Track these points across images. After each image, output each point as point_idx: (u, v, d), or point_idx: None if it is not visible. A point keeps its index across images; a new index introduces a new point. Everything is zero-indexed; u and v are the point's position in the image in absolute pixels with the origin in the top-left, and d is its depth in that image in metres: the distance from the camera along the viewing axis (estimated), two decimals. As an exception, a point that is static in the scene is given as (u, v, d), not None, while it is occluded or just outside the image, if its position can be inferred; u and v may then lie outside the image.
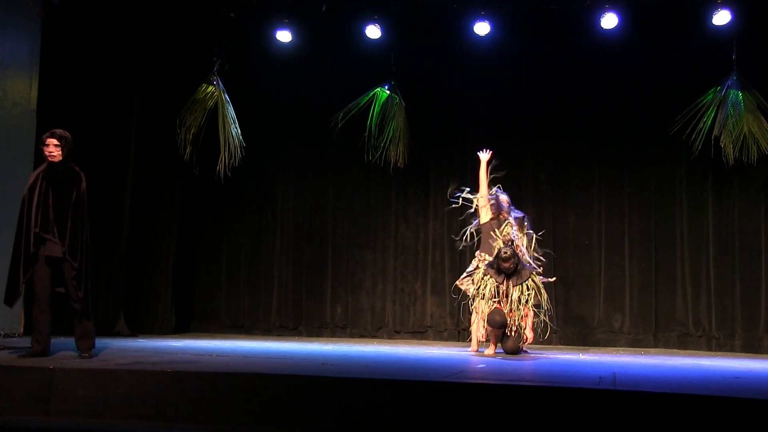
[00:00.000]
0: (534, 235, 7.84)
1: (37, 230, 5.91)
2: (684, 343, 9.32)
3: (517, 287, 7.29)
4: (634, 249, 9.63)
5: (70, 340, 6.55)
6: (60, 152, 6.09)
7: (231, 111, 9.60)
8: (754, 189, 9.31)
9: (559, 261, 9.74)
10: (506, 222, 7.71)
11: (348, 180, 10.45)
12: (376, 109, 9.51)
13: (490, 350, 7.49)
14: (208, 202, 10.66)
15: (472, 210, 8.10)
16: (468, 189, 7.98)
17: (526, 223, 7.77)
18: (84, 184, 6.16)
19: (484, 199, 7.86)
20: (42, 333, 5.96)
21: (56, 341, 6.26)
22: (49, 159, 6.08)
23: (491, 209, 7.88)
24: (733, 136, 8.59)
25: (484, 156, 7.99)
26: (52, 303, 6.06)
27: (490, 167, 8.03)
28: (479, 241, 8.01)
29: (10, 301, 6.00)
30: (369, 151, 9.53)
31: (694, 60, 9.36)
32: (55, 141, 6.10)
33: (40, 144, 6.13)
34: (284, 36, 9.66)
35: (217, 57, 9.71)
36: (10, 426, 4.56)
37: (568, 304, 9.70)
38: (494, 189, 7.94)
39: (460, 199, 8.04)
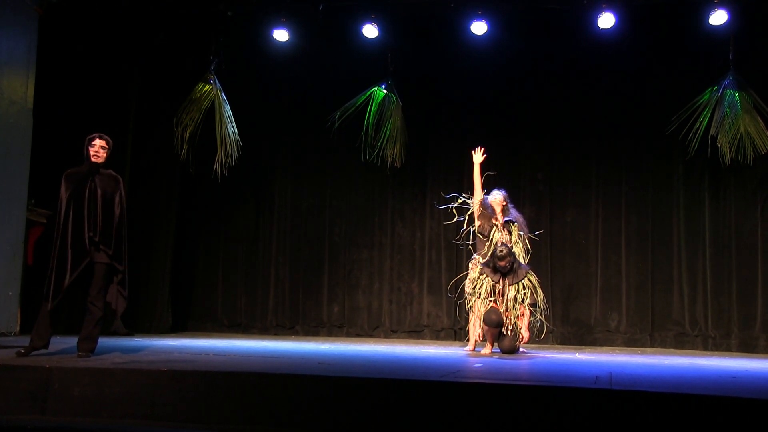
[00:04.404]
0: (524, 234, 7.79)
1: (92, 234, 5.95)
2: (680, 342, 9.33)
3: (513, 286, 7.30)
4: (631, 248, 9.64)
5: (68, 339, 6.54)
6: (105, 154, 6.15)
7: (228, 110, 9.59)
8: (750, 189, 9.33)
9: (556, 260, 9.75)
10: (495, 228, 7.67)
11: (345, 179, 10.45)
12: (373, 108, 9.52)
13: (486, 349, 7.49)
14: (205, 201, 10.66)
15: (469, 213, 8.03)
16: (463, 197, 7.93)
17: (516, 225, 7.70)
18: (123, 187, 6.24)
19: (477, 206, 7.83)
20: (47, 328, 5.97)
21: (54, 340, 6.24)
22: (93, 159, 6.09)
23: (483, 216, 7.82)
24: (730, 136, 8.60)
25: (478, 158, 7.95)
26: (63, 301, 6.05)
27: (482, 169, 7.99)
28: (475, 245, 7.98)
29: (53, 304, 5.94)
30: (366, 150, 9.53)
31: (691, 60, 9.37)
32: (103, 142, 6.14)
33: (87, 143, 6.12)
34: (281, 35, 9.66)
35: (214, 56, 9.71)
36: (7, 425, 4.55)
37: (564, 303, 9.71)
38: (486, 197, 7.86)
39: (454, 209, 7.98)
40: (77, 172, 6.13)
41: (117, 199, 6.14)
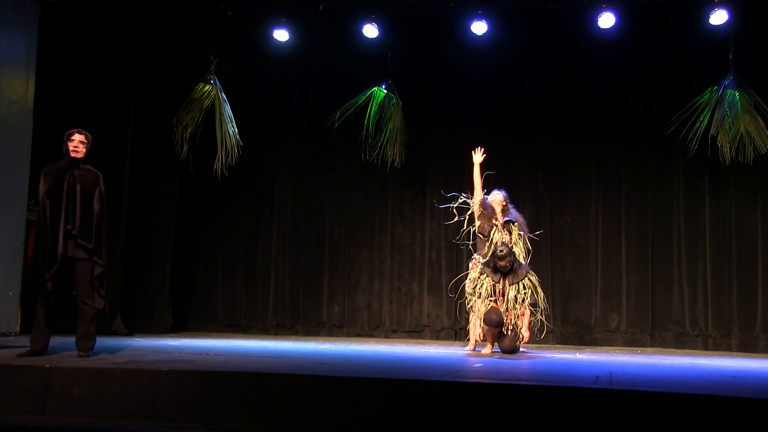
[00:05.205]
0: (524, 234, 7.80)
1: (70, 227, 5.92)
2: (681, 342, 9.33)
3: (514, 286, 7.30)
4: (632, 248, 9.64)
5: (68, 340, 6.54)
6: (84, 149, 6.12)
7: (228, 110, 9.58)
8: (750, 188, 9.33)
9: (556, 260, 9.75)
10: (495, 228, 7.67)
11: (345, 179, 10.45)
12: (373, 108, 9.52)
13: (486, 349, 7.49)
14: (205, 201, 10.66)
15: (469, 213, 8.02)
16: (463, 197, 7.95)
17: (516, 225, 7.70)
18: (102, 183, 6.19)
19: (477, 206, 7.83)
20: (43, 331, 5.96)
21: (54, 340, 6.24)
22: (72, 154, 6.07)
23: (483, 216, 7.82)
24: (730, 136, 8.59)
25: (478, 158, 7.95)
26: (56, 302, 6.05)
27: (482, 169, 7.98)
28: (475, 245, 7.98)
29: (42, 301, 5.96)
30: (366, 150, 9.53)
31: (691, 59, 9.37)
32: (82, 137, 6.12)
33: (65, 138, 6.10)
34: (281, 35, 9.66)
35: (215, 56, 9.71)
36: (7, 425, 4.55)
37: (564, 303, 9.71)
38: (486, 197, 7.86)
39: (454, 209, 8.00)
40: (56, 167, 6.10)
41: (96, 194, 6.09)
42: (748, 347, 9.05)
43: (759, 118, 8.63)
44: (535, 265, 8.30)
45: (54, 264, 5.87)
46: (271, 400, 4.75)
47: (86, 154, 6.13)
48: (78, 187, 6.01)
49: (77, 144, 6.09)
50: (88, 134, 6.18)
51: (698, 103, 8.84)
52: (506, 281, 7.32)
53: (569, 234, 9.84)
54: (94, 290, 6.03)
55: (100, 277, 6.04)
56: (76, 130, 6.15)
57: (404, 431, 4.52)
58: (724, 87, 8.77)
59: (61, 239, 5.89)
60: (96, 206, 6.07)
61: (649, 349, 9.07)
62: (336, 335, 10.19)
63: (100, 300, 6.06)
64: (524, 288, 7.32)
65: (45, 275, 5.86)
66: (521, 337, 7.36)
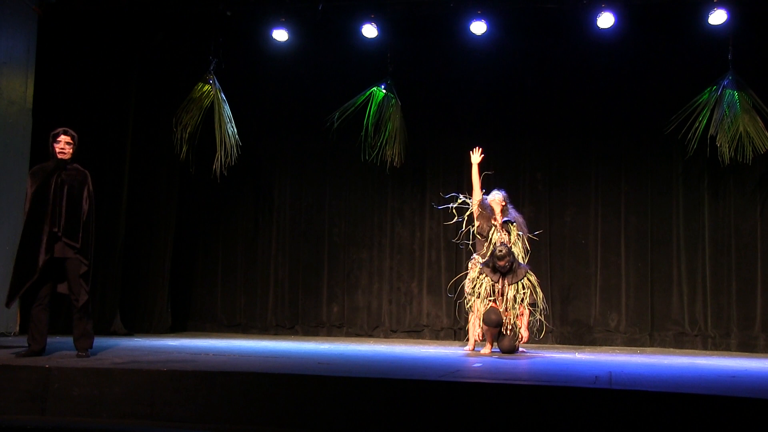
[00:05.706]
0: (523, 234, 7.80)
1: (56, 230, 5.93)
2: (680, 342, 9.34)
3: (513, 286, 7.30)
4: (631, 248, 9.64)
5: (67, 339, 6.54)
6: (71, 150, 6.12)
7: (227, 110, 9.59)
8: (749, 188, 9.33)
9: (556, 260, 9.76)
10: (493, 229, 7.67)
11: (344, 179, 10.45)
12: (372, 108, 9.52)
13: (486, 349, 7.49)
14: (204, 201, 10.66)
15: (468, 213, 8.02)
16: (462, 197, 7.95)
17: (514, 225, 7.70)
18: (90, 182, 6.19)
19: (476, 206, 7.82)
20: (41, 331, 5.97)
21: (53, 340, 6.25)
22: (59, 155, 6.07)
23: (482, 216, 7.81)
24: (729, 136, 8.60)
25: (476, 159, 7.93)
26: (51, 301, 6.07)
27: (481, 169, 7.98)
28: (474, 245, 7.98)
29: (9, 303, 5.99)
30: (365, 150, 9.53)
31: (690, 59, 9.38)
32: (68, 138, 6.12)
33: (51, 140, 6.11)
34: (281, 35, 9.66)
35: (214, 56, 9.71)
36: (6, 425, 4.55)
37: (564, 303, 9.71)
38: (485, 198, 7.86)
39: (453, 209, 8.00)
40: (43, 168, 6.11)
41: (85, 193, 6.10)
42: (747, 347, 9.05)
43: (758, 118, 8.64)
44: (535, 265, 8.31)
45: (36, 267, 5.88)
46: (270, 400, 4.75)
47: (73, 154, 6.14)
48: (65, 189, 6.02)
49: (63, 145, 6.09)
50: (74, 134, 6.18)
51: (697, 103, 8.85)
52: (505, 281, 7.32)
53: (569, 234, 9.84)
54: (85, 287, 6.04)
55: (84, 275, 6.05)
56: (62, 130, 6.15)
57: (404, 431, 4.52)
58: (723, 87, 8.78)
59: (44, 242, 5.90)
60: (84, 206, 6.08)
61: (648, 349, 9.07)
62: (335, 335, 10.19)
63: (84, 295, 6.06)
64: (523, 288, 7.32)
65: (25, 279, 5.87)
66: (520, 336, 7.36)
